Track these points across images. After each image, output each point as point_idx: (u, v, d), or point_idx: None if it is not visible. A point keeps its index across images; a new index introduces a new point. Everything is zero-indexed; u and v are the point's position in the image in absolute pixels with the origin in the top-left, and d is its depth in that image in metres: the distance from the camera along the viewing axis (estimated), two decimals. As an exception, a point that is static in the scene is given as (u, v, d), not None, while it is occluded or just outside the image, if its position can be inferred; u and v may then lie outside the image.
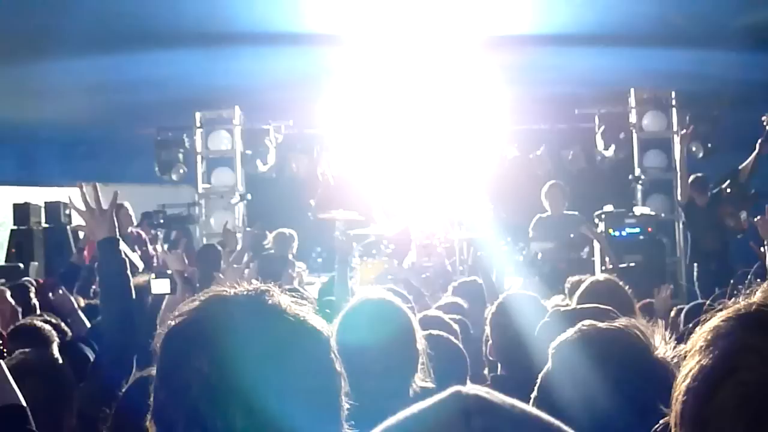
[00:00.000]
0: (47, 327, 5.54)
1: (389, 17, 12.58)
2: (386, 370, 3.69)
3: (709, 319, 1.48)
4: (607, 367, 2.33)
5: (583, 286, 5.50)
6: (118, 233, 4.50)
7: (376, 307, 4.04)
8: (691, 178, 13.14)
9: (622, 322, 2.41)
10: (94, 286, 8.92)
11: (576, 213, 13.73)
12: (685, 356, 1.47)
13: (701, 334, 1.46)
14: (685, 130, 13.60)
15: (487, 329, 5.21)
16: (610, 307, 3.50)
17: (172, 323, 1.85)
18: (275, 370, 1.75)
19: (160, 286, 6.04)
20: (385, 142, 16.41)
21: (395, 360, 3.79)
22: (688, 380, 1.44)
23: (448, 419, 1.24)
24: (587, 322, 2.52)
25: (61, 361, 4.54)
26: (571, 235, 13.37)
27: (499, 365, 5.15)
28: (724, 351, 1.41)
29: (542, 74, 14.46)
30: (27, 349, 4.10)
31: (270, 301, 1.87)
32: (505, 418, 1.24)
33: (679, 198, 13.51)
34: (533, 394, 2.49)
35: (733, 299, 1.48)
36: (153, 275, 8.03)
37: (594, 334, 2.45)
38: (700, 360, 1.44)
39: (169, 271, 6.65)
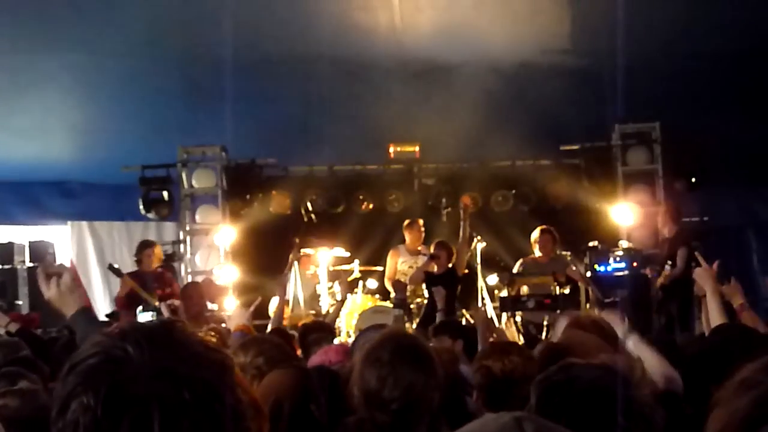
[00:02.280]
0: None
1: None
2: None
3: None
4: (589, 404, 2.33)
5: (563, 322, 5.51)
6: (83, 302, 4.47)
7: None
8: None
9: (603, 359, 2.41)
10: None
11: (564, 254, 13.87)
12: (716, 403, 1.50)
13: (732, 383, 1.49)
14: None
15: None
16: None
17: (73, 358, 1.84)
18: (167, 405, 1.72)
19: (146, 319, 6.03)
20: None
21: None
22: (719, 425, 1.47)
23: (504, 424, 1.33)
24: (569, 359, 2.52)
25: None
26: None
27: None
28: (756, 399, 1.44)
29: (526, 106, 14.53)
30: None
31: (172, 334, 1.85)
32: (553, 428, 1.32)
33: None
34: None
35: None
36: (140, 308, 8.04)
37: (575, 371, 2.45)
38: (732, 407, 1.46)
39: (156, 304, 6.66)
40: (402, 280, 14.48)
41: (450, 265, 13.54)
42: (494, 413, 1.54)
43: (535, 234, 13.91)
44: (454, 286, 13.45)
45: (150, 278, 13.55)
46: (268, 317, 12.73)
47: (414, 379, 3.88)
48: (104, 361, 1.78)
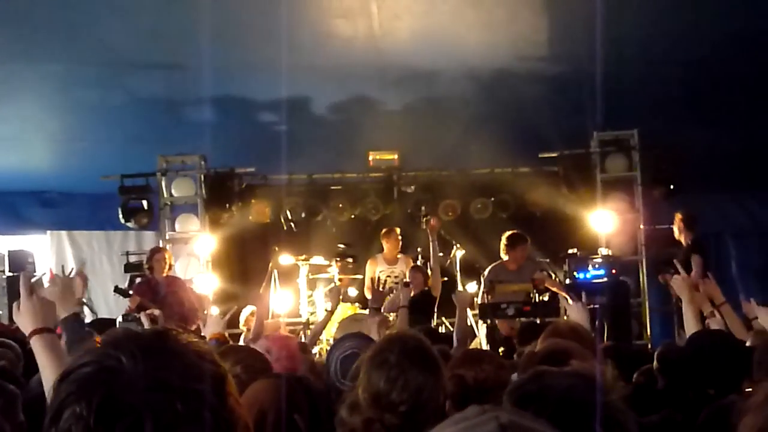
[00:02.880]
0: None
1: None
2: None
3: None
4: (562, 413, 2.34)
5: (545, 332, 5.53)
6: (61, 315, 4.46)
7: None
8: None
9: (575, 365, 2.43)
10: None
11: (537, 261, 13.92)
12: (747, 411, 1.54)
13: (762, 392, 1.53)
14: None
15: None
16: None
17: (66, 367, 1.85)
18: (160, 416, 1.73)
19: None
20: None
21: None
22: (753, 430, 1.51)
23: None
24: (542, 366, 2.54)
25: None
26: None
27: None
28: None
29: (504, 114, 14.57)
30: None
31: (166, 344, 1.86)
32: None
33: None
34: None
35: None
36: (120, 318, 8.02)
37: (548, 380, 2.47)
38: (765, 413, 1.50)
39: (136, 315, 6.67)
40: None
41: (426, 288, 13.62)
42: (470, 412, 1.50)
43: (507, 241, 13.89)
44: (431, 307, 13.53)
45: (162, 284, 13.60)
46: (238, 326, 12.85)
47: (423, 381, 3.90)
48: (98, 371, 1.79)
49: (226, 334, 8.41)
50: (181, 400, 1.75)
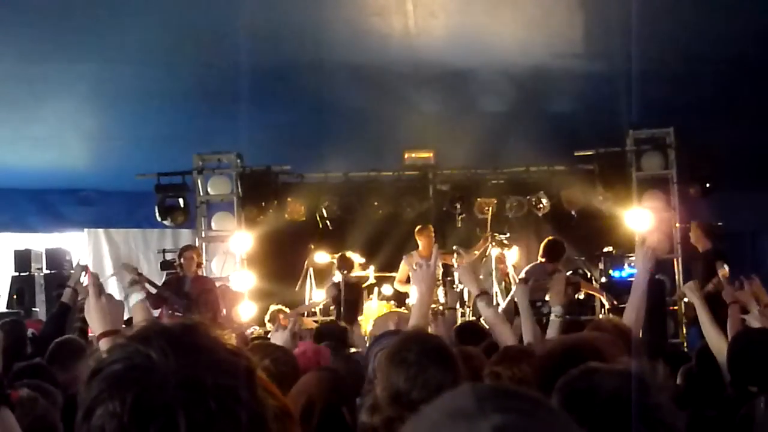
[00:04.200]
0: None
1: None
2: None
3: None
4: (611, 413, 2.35)
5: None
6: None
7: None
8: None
9: (624, 363, 2.44)
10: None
11: (573, 259, 13.91)
12: None
13: None
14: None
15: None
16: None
17: (95, 363, 1.85)
18: (193, 414, 1.74)
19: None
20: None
21: None
22: None
23: (464, 405, 1.34)
24: (592, 363, 2.54)
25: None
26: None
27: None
28: None
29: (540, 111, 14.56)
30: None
31: (195, 339, 1.86)
32: (516, 402, 1.39)
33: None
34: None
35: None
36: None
37: (597, 379, 2.47)
38: None
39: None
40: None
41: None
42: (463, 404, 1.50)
43: (548, 254, 13.89)
44: None
45: (188, 280, 13.70)
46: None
47: (442, 379, 3.90)
48: (129, 368, 1.79)
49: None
50: (213, 396, 1.76)
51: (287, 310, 13.86)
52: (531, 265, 14.10)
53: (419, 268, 5.72)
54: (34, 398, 4.55)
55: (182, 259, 13.99)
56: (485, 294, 6.20)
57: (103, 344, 4.00)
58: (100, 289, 4.20)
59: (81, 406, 1.81)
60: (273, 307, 13.73)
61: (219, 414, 1.76)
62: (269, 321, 13.61)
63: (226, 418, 1.77)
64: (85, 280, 8.81)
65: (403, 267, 14.89)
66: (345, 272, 14.44)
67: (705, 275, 12.79)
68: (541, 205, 15.96)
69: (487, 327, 7.41)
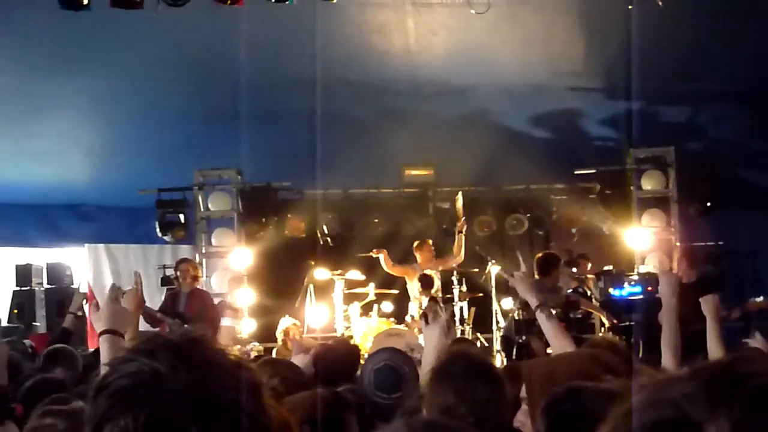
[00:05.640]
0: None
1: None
2: None
3: None
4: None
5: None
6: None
7: None
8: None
9: (610, 383, 2.44)
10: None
11: (571, 274, 13.86)
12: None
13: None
14: None
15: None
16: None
17: (102, 377, 1.83)
18: (207, 427, 1.73)
19: None
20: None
21: None
22: None
23: None
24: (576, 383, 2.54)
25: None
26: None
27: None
28: None
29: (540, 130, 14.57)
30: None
31: (202, 353, 1.85)
32: None
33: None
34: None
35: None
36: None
37: (582, 400, 2.46)
38: None
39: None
40: (413, 302, 14.42)
41: None
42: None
43: (541, 266, 13.74)
44: None
45: (184, 296, 13.66)
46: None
47: (489, 396, 3.90)
48: (138, 384, 1.77)
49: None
50: (224, 412, 1.75)
51: (298, 323, 13.78)
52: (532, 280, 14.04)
53: (426, 326, 5.65)
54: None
55: (178, 272, 13.97)
56: (544, 305, 6.04)
57: (103, 340, 4.13)
58: (117, 298, 4.40)
59: (88, 423, 1.79)
60: (285, 321, 13.63)
61: (230, 430, 1.75)
62: (282, 334, 13.49)
63: None
64: (86, 307, 8.88)
65: (402, 268, 14.84)
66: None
67: (694, 309, 12.74)
68: (541, 223, 15.96)
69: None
